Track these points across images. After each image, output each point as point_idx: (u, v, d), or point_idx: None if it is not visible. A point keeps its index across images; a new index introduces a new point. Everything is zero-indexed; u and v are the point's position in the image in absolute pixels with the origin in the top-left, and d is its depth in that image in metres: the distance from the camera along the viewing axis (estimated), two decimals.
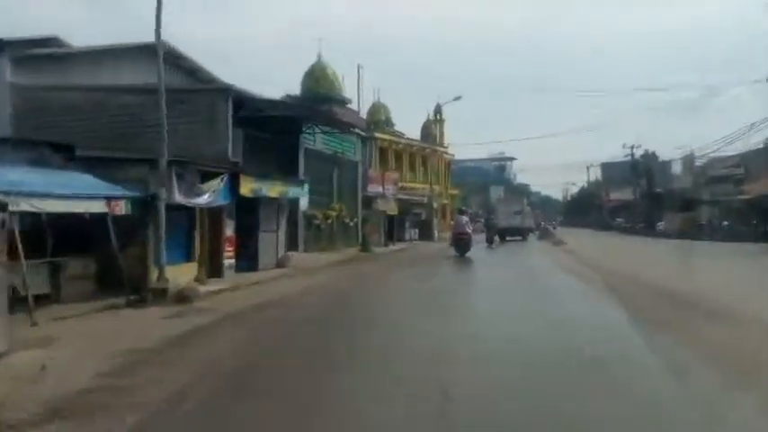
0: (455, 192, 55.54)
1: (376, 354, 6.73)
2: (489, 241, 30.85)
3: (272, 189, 16.11)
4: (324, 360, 6.44)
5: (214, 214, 14.13)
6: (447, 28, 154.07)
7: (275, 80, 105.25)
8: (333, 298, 12.11)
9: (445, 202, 49.46)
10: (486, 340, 7.26)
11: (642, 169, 57.25)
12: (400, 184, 37.40)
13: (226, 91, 16.19)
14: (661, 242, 35.32)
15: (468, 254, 22.07)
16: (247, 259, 15.70)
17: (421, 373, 5.78)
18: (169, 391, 5.16)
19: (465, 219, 23.72)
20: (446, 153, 51.33)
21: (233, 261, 14.98)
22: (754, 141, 37.05)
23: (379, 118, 42.01)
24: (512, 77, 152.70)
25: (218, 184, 13.28)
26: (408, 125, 75.32)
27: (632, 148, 57.09)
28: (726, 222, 38.02)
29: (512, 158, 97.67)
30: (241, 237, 15.33)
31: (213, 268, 14.07)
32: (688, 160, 50.45)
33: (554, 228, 51.52)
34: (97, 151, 12.23)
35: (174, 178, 11.74)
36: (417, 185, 42.65)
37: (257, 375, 5.86)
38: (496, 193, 73.47)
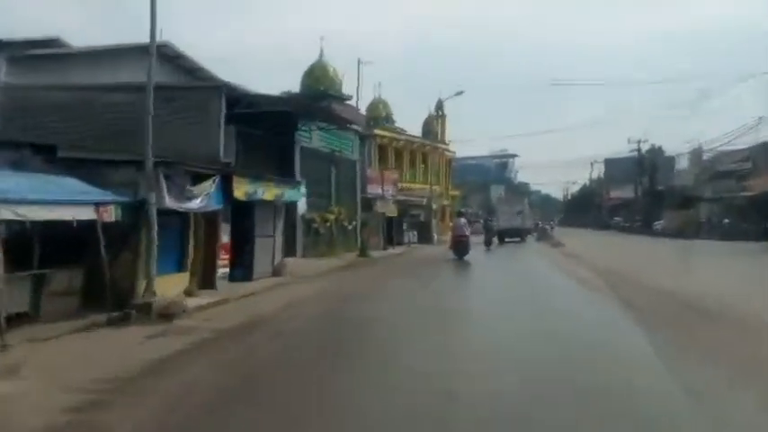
0: (455, 192, 54.95)
1: (373, 388, 6.12)
2: (487, 244, 30.68)
3: (268, 192, 15.46)
4: (308, 394, 5.88)
5: (210, 219, 13.50)
6: (449, 24, 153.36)
7: (277, 83, 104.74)
8: (326, 313, 11.50)
9: (445, 203, 48.85)
10: (492, 378, 6.21)
11: (648, 164, 56.72)
12: (400, 185, 36.88)
13: (219, 88, 15.72)
14: (659, 242, 35.00)
15: (466, 257, 22.39)
16: (242, 268, 15.09)
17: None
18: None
19: (463, 221, 24.38)
20: (447, 150, 50.70)
21: (227, 270, 14.42)
22: (762, 135, 36.71)
23: (378, 114, 41.38)
24: (514, 73, 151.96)
25: (209, 186, 12.60)
26: (409, 122, 74.64)
27: (639, 142, 56.55)
28: (727, 220, 37.40)
29: (513, 155, 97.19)
30: (236, 243, 14.72)
31: (206, 278, 13.50)
32: (696, 154, 49.78)
33: (551, 228, 50.85)
34: (81, 152, 11.69)
35: (163, 181, 11.10)
36: (417, 185, 42.04)
37: (232, 412, 5.35)
38: (497, 192, 73.09)
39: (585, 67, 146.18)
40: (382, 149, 37.65)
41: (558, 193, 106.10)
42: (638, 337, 8.00)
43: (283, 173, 18.57)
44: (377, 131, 36.81)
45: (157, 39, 19.80)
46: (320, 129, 22.65)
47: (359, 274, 19.09)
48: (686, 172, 52.59)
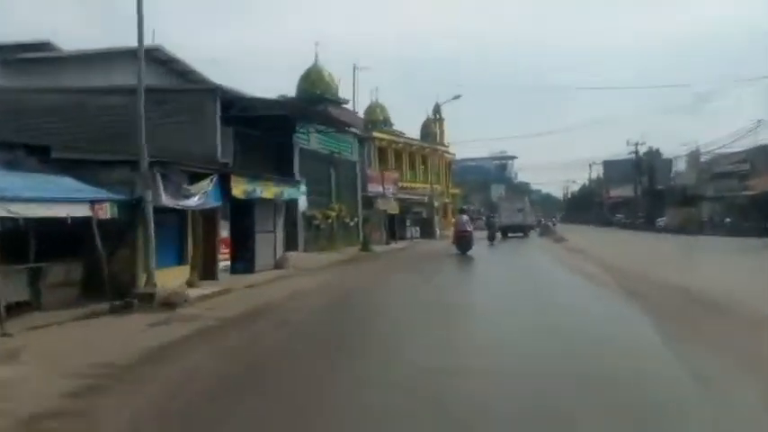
0: (456, 191, 55.03)
1: (375, 378, 5.87)
2: (491, 239, 30.80)
3: (267, 190, 15.52)
4: (308, 385, 5.63)
5: (208, 216, 13.56)
6: (447, 27, 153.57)
7: (274, 86, 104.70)
8: (328, 302, 11.42)
9: (446, 200, 48.94)
10: (494, 374, 5.81)
11: (645, 166, 56.97)
12: (400, 184, 36.94)
13: (213, 91, 15.83)
14: (663, 237, 35.00)
15: (470, 252, 22.41)
16: (244, 261, 15.14)
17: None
18: (135, 418, 4.60)
19: (466, 218, 24.38)
20: (447, 152, 50.79)
21: (228, 263, 14.41)
22: (761, 138, 36.83)
23: (376, 118, 41.40)
24: (512, 76, 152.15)
25: (207, 185, 12.70)
26: (408, 125, 74.61)
27: (636, 145, 56.84)
28: (728, 219, 37.42)
29: (512, 157, 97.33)
30: (237, 238, 14.79)
31: (207, 271, 13.49)
32: (693, 156, 49.94)
33: (554, 224, 51.13)
34: (75, 153, 11.73)
35: (159, 180, 11.18)
36: (418, 185, 42.16)
37: (233, 399, 5.17)
38: (497, 191, 73.34)
39: (583, 69, 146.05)
40: (382, 151, 37.74)
41: (557, 193, 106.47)
42: (649, 329, 7.53)
43: (282, 173, 18.62)
44: (375, 134, 36.85)
45: (149, 42, 19.89)
46: (318, 131, 22.68)
47: (361, 267, 19.02)
48: (686, 172, 52.68)
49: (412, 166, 43.41)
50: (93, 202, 10.03)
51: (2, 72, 16.31)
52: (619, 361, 6.04)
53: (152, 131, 13.40)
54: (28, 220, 9.15)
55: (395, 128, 42.99)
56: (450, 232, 27.55)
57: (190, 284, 12.13)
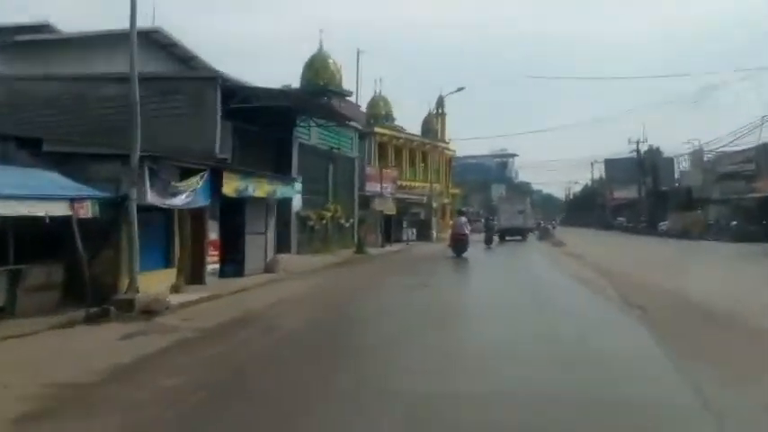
0: (456, 191, 54.48)
1: (363, 396, 5.59)
2: (488, 242, 30.39)
3: (259, 188, 15.00)
4: (294, 401, 5.36)
5: (196, 216, 13.12)
6: (449, 21, 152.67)
7: (278, 76, 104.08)
8: (319, 312, 10.92)
9: (446, 201, 48.38)
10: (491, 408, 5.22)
11: (649, 166, 56.10)
12: (399, 183, 36.46)
13: (214, 79, 15.20)
14: (665, 243, 34.15)
15: (465, 254, 22.49)
16: (233, 264, 14.69)
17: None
18: None
19: (464, 220, 24.64)
20: (447, 149, 50.22)
21: (217, 266, 13.98)
22: (765, 135, 36.12)
23: (378, 112, 40.88)
24: (514, 71, 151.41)
25: (197, 182, 12.14)
26: (409, 120, 74.19)
27: (638, 143, 55.85)
28: (734, 222, 36.74)
29: (513, 155, 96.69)
30: (226, 239, 14.31)
31: (195, 274, 13.08)
32: (696, 155, 49.09)
33: (553, 227, 50.30)
34: (67, 146, 11.34)
35: (147, 176, 10.65)
36: (417, 183, 41.63)
37: (207, 426, 4.80)
38: (498, 191, 72.68)
39: (584, 64, 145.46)
40: (382, 147, 37.21)
41: (559, 193, 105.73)
42: (654, 346, 7.17)
43: (280, 170, 18.16)
44: (377, 129, 36.33)
45: (149, 24, 19.44)
46: (319, 125, 22.18)
47: (354, 270, 18.64)
48: (691, 173, 51.80)
49: (412, 163, 42.86)
50: (73, 200, 9.58)
51: None
52: (620, 381, 5.78)
53: (153, 124, 12.83)
54: (6, 218, 8.81)
55: (396, 123, 42.47)
56: (448, 235, 27.40)
57: (176, 289, 11.74)
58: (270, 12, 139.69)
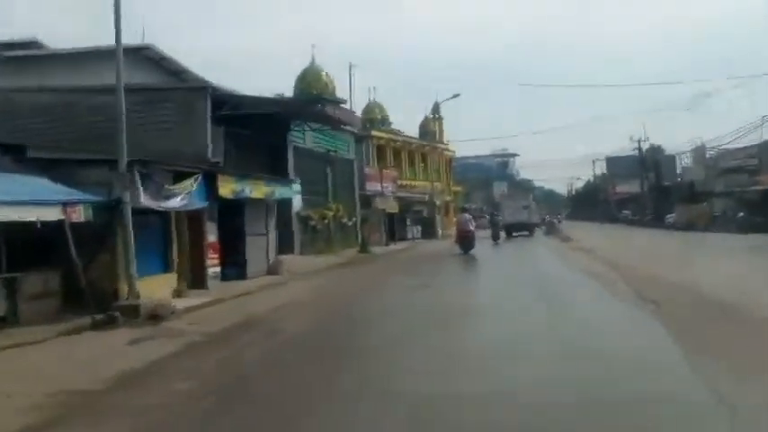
0: (458, 189, 54.32)
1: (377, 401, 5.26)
2: (495, 238, 30.20)
3: (257, 189, 14.86)
4: (299, 403, 5.15)
5: (194, 218, 12.93)
6: (447, 22, 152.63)
7: (272, 87, 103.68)
8: (323, 313, 10.66)
9: (448, 198, 48.25)
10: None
11: (650, 162, 56.08)
12: (400, 182, 36.29)
13: (204, 89, 15.38)
14: (674, 235, 33.70)
15: (472, 251, 22.27)
16: (235, 266, 14.46)
17: None
18: None
19: (468, 216, 24.39)
20: (447, 150, 50.13)
21: (218, 269, 13.76)
22: (766, 134, 36.11)
23: (374, 117, 40.79)
24: (512, 72, 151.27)
25: (191, 185, 12.01)
26: (406, 125, 74.11)
27: (639, 141, 55.81)
28: (741, 214, 36.60)
29: (514, 155, 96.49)
30: (226, 242, 14.11)
31: (195, 278, 12.87)
32: (699, 152, 49.19)
33: (559, 222, 50.07)
34: (53, 152, 11.26)
35: (139, 180, 10.54)
36: (418, 183, 41.48)
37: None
38: (499, 188, 72.59)
39: (584, 64, 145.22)
40: (380, 150, 37.10)
41: (561, 189, 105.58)
42: (677, 350, 6.28)
43: (276, 173, 18.08)
44: (374, 132, 36.24)
45: (140, 41, 19.49)
46: (313, 130, 22.09)
47: (359, 271, 18.38)
48: (693, 168, 51.84)
49: (411, 164, 42.74)
50: (65, 205, 9.36)
51: None
52: (637, 380, 5.32)
53: (141, 132, 12.89)
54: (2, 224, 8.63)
55: (393, 127, 42.37)
56: (452, 232, 27.20)
57: (178, 294, 11.54)
58: (263, 25, 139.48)
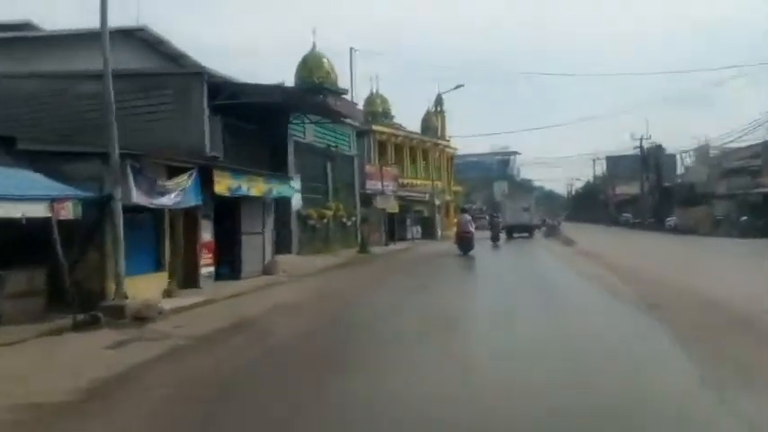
0: (458, 188, 53.87)
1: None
2: (494, 240, 29.84)
3: (254, 187, 14.39)
4: (286, 415, 4.81)
5: (188, 216, 12.56)
6: (447, 16, 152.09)
7: (272, 78, 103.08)
8: (316, 318, 10.14)
9: (448, 198, 47.79)
10: None
11: (652, 162, 55.47)
12: (401, 181, 35.85)
13: (200, 74, 14.68)
14: (681, 241, 32.52)
15: (472, 252, 22.14)
16: (229, 266, 14.09)
17: None
18: None
19: (468, 217, 24.31)
20: (448, 147, 49.59)
21: (212, 269, 13.39)
22: None
23: (376, 110, 40.25)
24: (514, 68, 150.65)
25: (185, 180, 11.58)
26: (408, 118, 73.56)
27: (641, 139, 55.07)
28: (744, 217, 36.12)
29: (515, 153, 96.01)
30: (221, 241, 13.70)
31: (188, 278, 12.50)
32: (702, 151, 48.52)
33: (558, 224, 49.49)
34: (43, 144, 10.96)
35: (131, 175, 10.13)
36: (418, 182, 41.03)
37: None
38: (500, 188, 72.08)
39: (586, 59, 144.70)
40: (382, 145, 36.63)
41: (560, 189, 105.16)
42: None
43: (276, 168, 17.60)
44: (375, 127, 35.73)
45: (135, 23, 18.98)
46: (314, 123, 21.60)
47: (357, 272, 17.98)
48: (695, 169, 51.15)
49: (413, 161, 42.25)
50: (53, 201, 9.04)
51: None
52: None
53: (133, 121, 12.38)
54: None
55: (395, 121, 41.83)
56: (452, 232, 27.02)
57: (168, 294, 11.16)
58: (266, 12, 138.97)
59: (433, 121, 47.51)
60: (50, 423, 4.87)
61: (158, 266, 11.69)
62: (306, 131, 21.64)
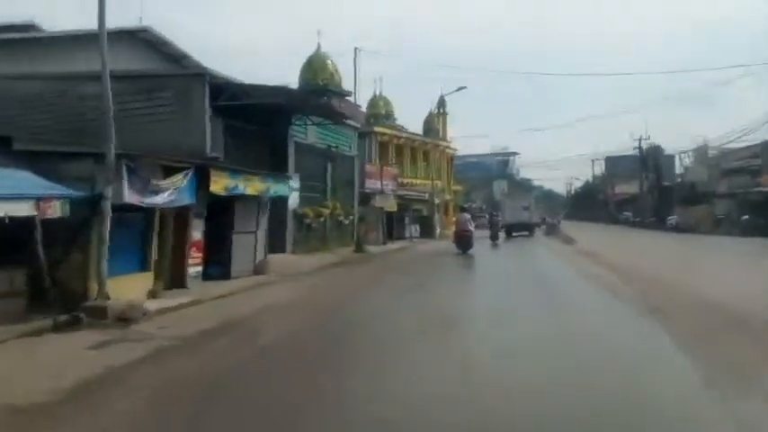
0: (458, 188, 53.71)
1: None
2: (493, 238, 29.60)
3: (251, 186, 14.09)
4: (271, 421, 4.56)
5: (179, 215, 12.25)
6: (449, 18, 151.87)
7: (278, 78, 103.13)
8: (305, 318, 9.84)
9: (448, 197, 47.64)
10: None
11: (651, 162, 55.42)
12: (400, 180, 35.64)
13: (201, 76, 14.61)
14: (683, 240, 32.17)
15: (471, 251, 22.03)
16: (218, 266, 13.74)
17: None
18: None
19: (467, 216, 24.27)
20: (449, 148, 49.48)
21: (200, 269, 13.06)
22: None
23: (378, 111, 40.07)
24: (513, 68, 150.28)
25: (180, 180, 11.33)
26: (410, 120, 73.19)
27: (640, 139, 55.12)
28: (746, 216, 35.87)
29: (515, 153, 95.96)
30: (211, 240, 13.39)
31: (175, 278, 12.17)
32: (701, 152, 48.47)
33: (558, 222, 49.26)
34: (39, 144, 10.81)
35: (125, 174, 9.94)
36: (418, 181, 40.89)
37: None
38: (500, 187, 71.98)
39: (586, 59, 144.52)
40: (383, 146, 36.55)
41: (560, 189, 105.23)
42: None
43: (276, 168, 17.39)
44: (377, 129, 35.62)
45: (138, 23, 18.80)
46: (315, 124, 21.33)
47: (352, 271, 17.65)
48: (694, 168, 51.02)
49: (413, 162, 42.14)
50: (39, 200, 8.83)
51: None
52: None
53: (135, 122, 12.20)
54: None
55: (398, 122, 41.67)
56: (451, 231, 27.03)
57: (153, 295, 10.85)
58: (266, 12, 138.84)
59: (435, 122, 47.43)
60: (29, 424, 4.70)
61: (144, 266, 11.39)
62: (307, 132, 21.43)
